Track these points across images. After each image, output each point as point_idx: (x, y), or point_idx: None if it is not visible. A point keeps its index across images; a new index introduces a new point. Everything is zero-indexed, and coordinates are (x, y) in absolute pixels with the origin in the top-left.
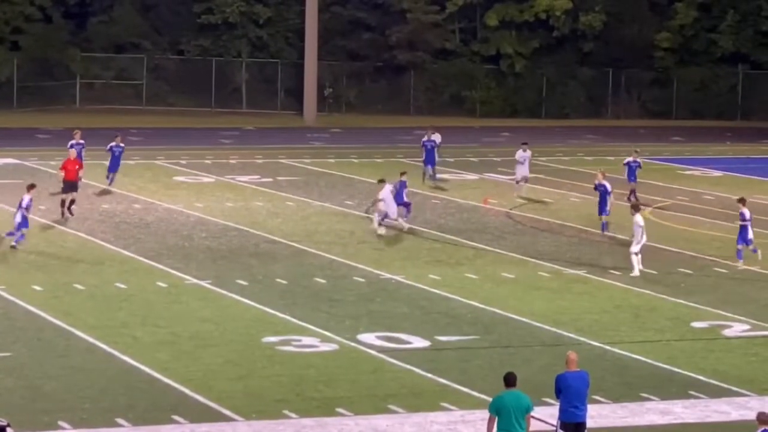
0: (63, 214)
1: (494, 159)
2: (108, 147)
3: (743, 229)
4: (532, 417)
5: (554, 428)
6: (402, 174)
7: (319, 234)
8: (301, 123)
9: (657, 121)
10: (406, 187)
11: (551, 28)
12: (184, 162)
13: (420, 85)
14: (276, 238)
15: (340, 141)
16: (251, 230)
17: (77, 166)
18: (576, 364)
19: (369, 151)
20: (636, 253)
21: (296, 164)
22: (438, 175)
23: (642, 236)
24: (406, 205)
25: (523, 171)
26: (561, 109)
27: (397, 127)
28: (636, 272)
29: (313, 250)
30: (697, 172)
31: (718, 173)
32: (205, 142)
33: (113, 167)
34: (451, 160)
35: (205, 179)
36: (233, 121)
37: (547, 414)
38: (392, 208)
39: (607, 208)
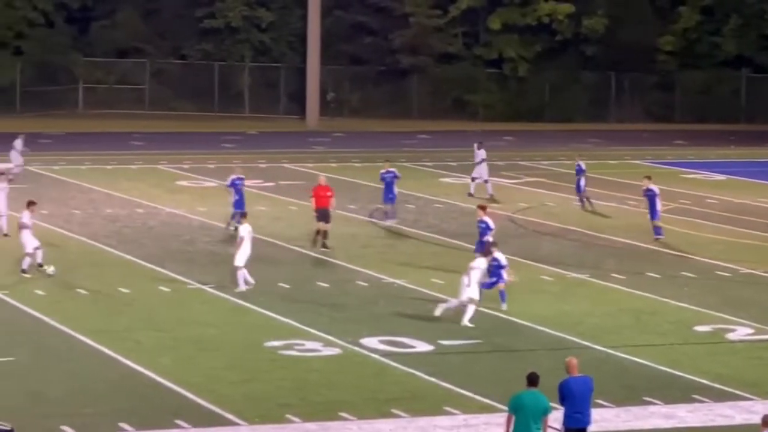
0: (316, 243)
1: (498, 163)
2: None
3: None
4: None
5: None
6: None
7: None
8: (303, 127)
9: (660, 124)
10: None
11: (554, 32)
12: (186, 166)
13: (422, 89)
14: (278, 242)
15: (342, 145)
16: (254, 234)
17: (329, 193)
18: (577, 369)
19: (371, 155)
20: (240, 267)
21: (299, 169)
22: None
23: (245, 247)
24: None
25: None
26: (564, 112)
27: (400, 131)
28: (242, 287)
29: (315, 255)
30: (700, 175)
31: (720, 177)
32: (208, 146)
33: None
34: (454, 164)
35: (208, 184)
36: (236, 126)
37: (551, 418)
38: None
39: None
